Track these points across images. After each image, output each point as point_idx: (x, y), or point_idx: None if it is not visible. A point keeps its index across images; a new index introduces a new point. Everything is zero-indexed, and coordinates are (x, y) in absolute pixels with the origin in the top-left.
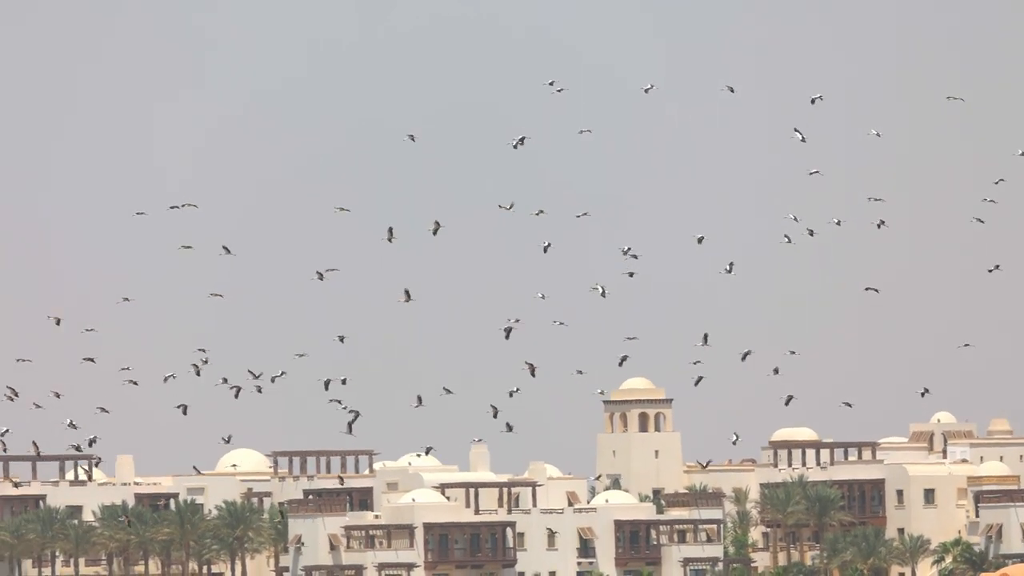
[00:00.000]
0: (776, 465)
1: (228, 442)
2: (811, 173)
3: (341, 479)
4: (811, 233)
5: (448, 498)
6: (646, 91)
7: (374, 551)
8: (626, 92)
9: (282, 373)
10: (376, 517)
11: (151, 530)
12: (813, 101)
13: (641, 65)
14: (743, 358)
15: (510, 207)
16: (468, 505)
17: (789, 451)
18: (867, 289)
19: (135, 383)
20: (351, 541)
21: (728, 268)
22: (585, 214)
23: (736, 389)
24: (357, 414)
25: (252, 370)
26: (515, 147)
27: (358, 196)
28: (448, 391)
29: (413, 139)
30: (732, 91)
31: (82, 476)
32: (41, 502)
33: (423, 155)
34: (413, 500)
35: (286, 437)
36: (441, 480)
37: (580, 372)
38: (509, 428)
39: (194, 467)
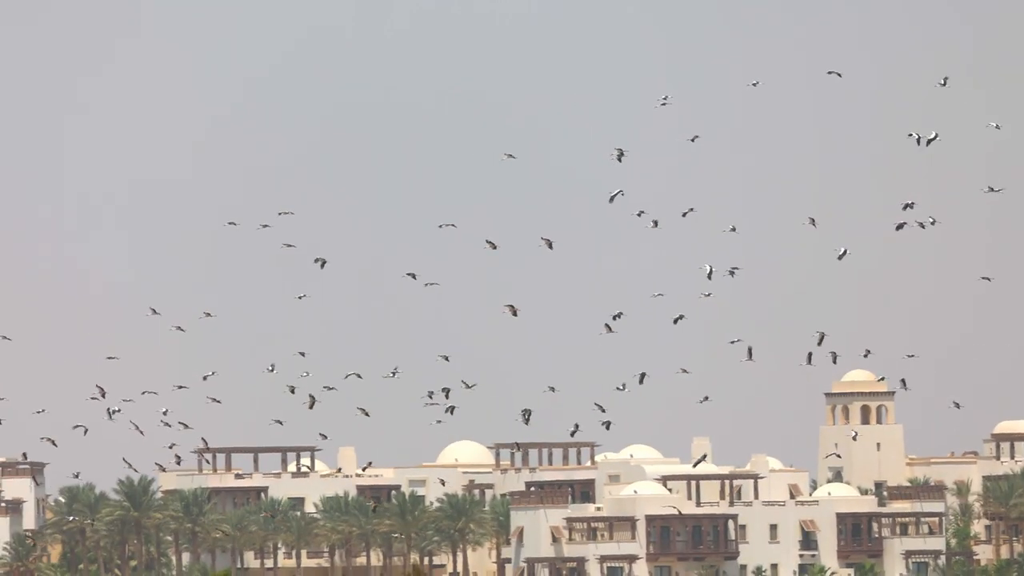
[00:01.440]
0: (998, 458)
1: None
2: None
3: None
4: None
5: (670, 490)
6: (754, 85)
7: (596, 543)
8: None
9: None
10: (598, 509)
11: (373, 522)
12: (945, 81)
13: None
14: (961, 351)
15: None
16: (690, 497)
17: (1012, 443)
18: None
19: (359, 375)
20: (573, 533)
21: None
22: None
23: (957, 381)
24: (449, 403)
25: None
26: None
27: (462, 211)
28: (639, 379)
29: (512, 157)
30: (839, 75)
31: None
32: (263, 494)
33: (523, 169)
34: (635, 492)
35: (508, 429)
36: (663, 472)
37: (806, 364)
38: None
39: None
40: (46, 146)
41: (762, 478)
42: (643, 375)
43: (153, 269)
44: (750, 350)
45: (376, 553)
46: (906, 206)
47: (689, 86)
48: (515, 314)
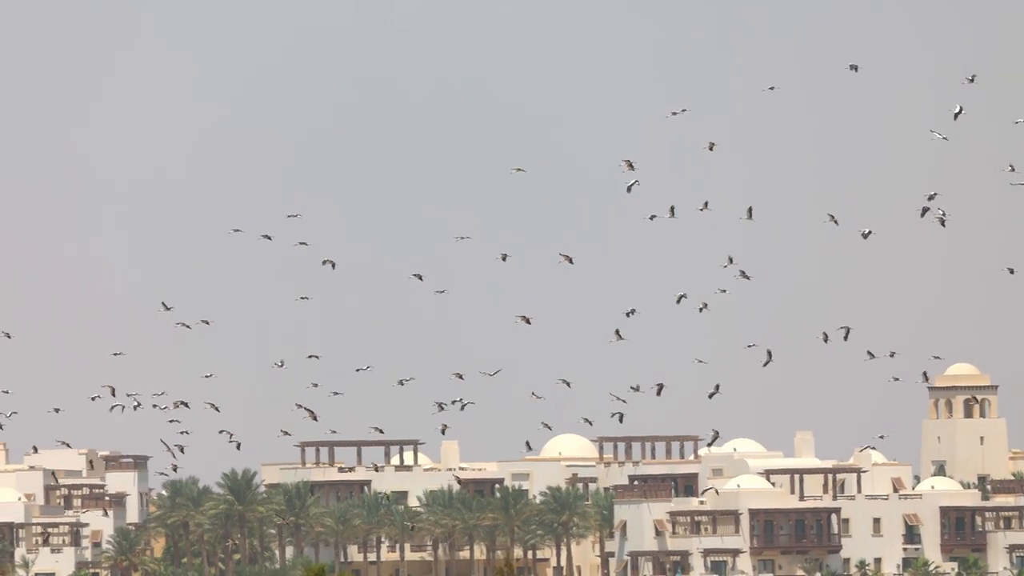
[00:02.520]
0: None
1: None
2: None
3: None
4: None
5: (773, 484)
6: (771, 89)
7: (699, 537)
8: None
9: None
10: (701, 503)
11: (476, 516)
12: (972, 79)
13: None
14: None
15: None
16: (793, 491)
17: None
18: None
19: (461, 376)
20: (676, 527)
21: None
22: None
23: None
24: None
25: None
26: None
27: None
28: (657, 391)
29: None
30: (856, 69)
31: (408, 461)
32: (366, 488)
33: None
34: (738, 486)
35: (612, 422)
36: (766, 466)
37: (893, 354)
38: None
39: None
40: (57, 145)
41: (865, 472)
42: (660, 386)
43: (196, 271)
44: (769, 353)
45: (479, 547)
46: (930, 196)
47: (699, 87)
48: (528, 323)
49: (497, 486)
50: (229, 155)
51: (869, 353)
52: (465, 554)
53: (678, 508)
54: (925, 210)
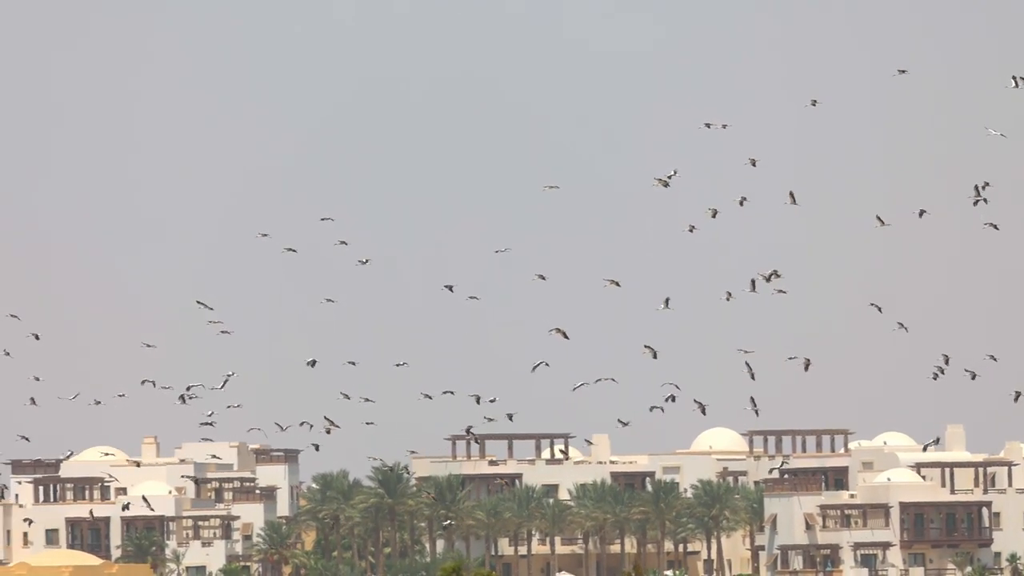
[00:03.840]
0: None
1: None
2: None
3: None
4: None
5: (924, 477)
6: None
7: (849, 530)
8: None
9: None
10: (851, 496)
11: (627, 509)
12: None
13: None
14: None
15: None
16: (944, 485)
17: None
18: None
19: (614, 381)
20: (826, 520)
21: None
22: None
23: None
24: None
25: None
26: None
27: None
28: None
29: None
30: (903, 71)
31: (558, 455)
32: (517, 481)
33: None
34: (888, 480)
35: (762, 416)
36: (916, 460)
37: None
38: None
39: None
40: (107, 145)
41: (1016, 465)
42: (671, 397)
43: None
44: (807, 362)
45: (630, 540)
46: (982, 187)
47: (736, 98)
48: (566, 337)
49: (648, 479)
50: (267, 157)
51: (806, 364)
52: (616, 547)
53: (828, 501)
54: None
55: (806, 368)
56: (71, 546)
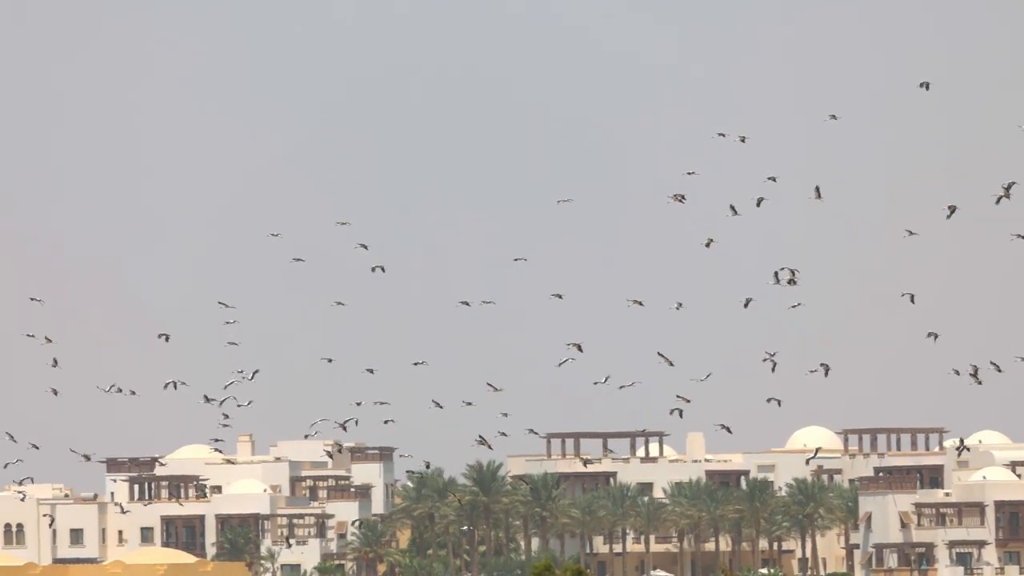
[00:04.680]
0: None
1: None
2: None
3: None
4: None
5: (1020, 476)
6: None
7: (944, 529)
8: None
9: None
10: (947, 495)
11: (722, 507)
12: None
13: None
14: None
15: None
16: None
17: None
18: None
19: (703, 380)
20: (921, 519)
21: None
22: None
23: None
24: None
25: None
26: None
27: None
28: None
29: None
30: (927, 87)
31: (653, 453)
32: (612, 479)
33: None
34: (984, 478)
35: (857, 414)
36: (1012, 458)
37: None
38: None
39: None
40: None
41: None
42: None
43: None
44: (826, 368)
45: (724, 538)
46: (1009, 185)
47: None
48: (580, 350)
49: (743, 478)
50: (277, 157)
51: (825, 370)
52: (710, 546)
53: (923, 500)
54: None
55: (826, 374)
56: (166, 544)
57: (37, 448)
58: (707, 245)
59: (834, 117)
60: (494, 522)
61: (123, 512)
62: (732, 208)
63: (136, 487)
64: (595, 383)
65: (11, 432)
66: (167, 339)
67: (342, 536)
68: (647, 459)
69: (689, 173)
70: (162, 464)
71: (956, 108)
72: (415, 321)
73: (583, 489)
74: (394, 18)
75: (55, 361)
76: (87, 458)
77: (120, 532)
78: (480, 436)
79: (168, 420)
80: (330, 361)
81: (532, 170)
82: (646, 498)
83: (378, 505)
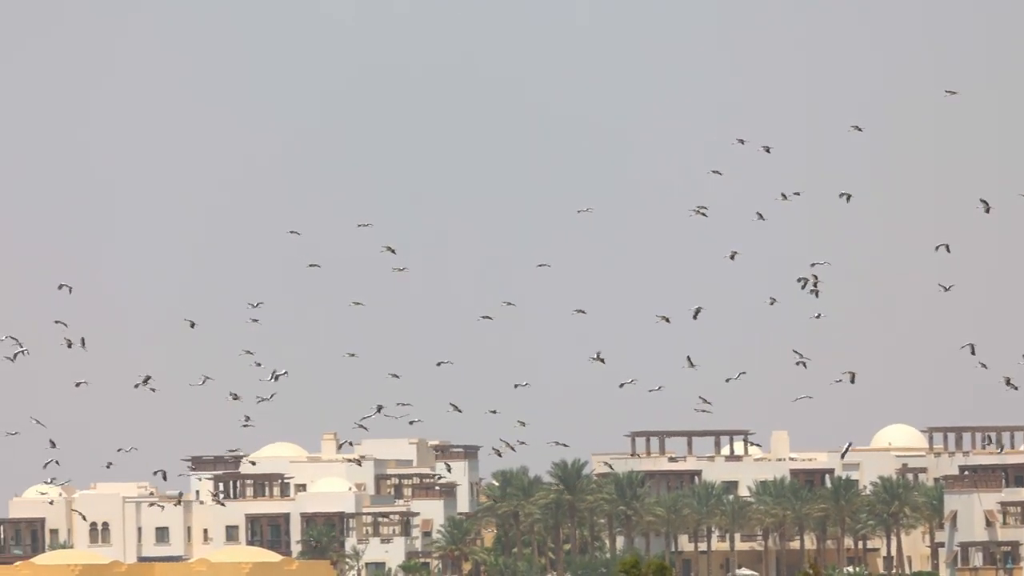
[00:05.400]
0: None
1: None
2: None
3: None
4: None
5: None
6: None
7: None
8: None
9: None
10: None
11: (807, 506)
12: None
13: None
14: None
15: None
16: None
17: None
18: None
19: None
20: (1007, 517)
21: None
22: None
23: None
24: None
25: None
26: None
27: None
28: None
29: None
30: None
31: (738, 452)
32: (697, 477)
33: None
34: None
35: (943, 411)
36: None
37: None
38: None
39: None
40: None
41: None
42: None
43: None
44: (853, 375)
45: (809, 537)
46: None
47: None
48: (602, 361)
49: (827, 476)
50: (305, 159)
51: (852, 377)
52: (795, 544)
53: (1009, 498)
54: None
55: (852, 381)
56: (251, 542)
57: (129, 451)
58: (732, 258)
59: (858, 128)
60: (579, 520)
61: (216, 501)
62: (758, 215)
63: (221, 485)
64: (621, 384)
65: (96, 431)
66: (192, 325)
67: (427, 534)
68: (732, 457)
69: (714, 172)
70: (251, 464)
71: (985, 116)
72: (482, 325)
73: (668, 487)
74: (442, 22)
75: (146, 379)
76: (164, 477)
77: (205, 530)
78: (502, 441)
79: (252, 419)
80: (394, 376)
81: (550, 177)
82: (731, 496)
83: (463, 503)
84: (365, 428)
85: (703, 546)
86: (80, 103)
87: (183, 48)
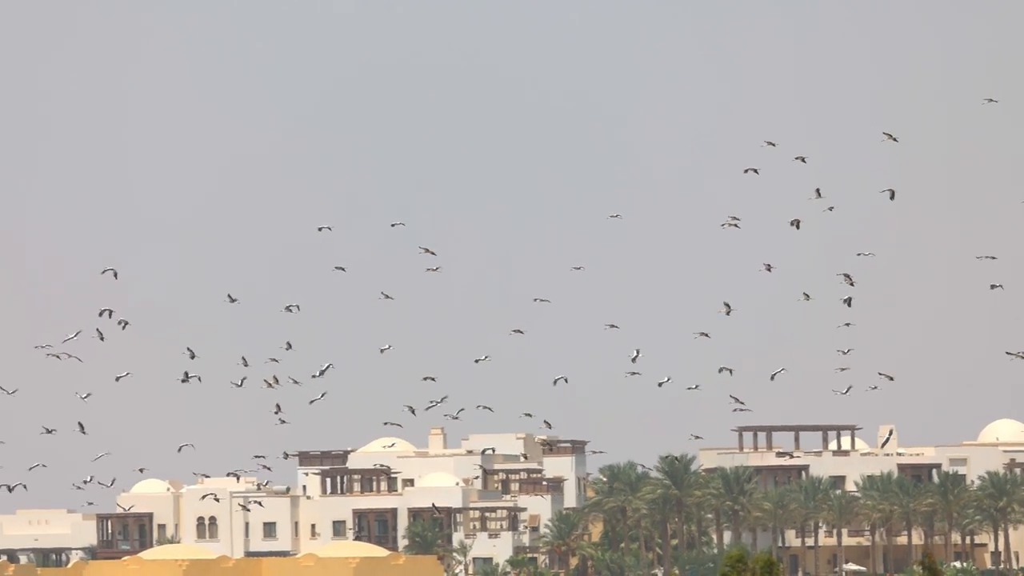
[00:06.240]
0: None
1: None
2: None
3: None
4: None
5: None
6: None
7: None
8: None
9: None
10: None
11: (914, 501)
12: None
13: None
14: None
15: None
16: None
17: None
18: None
19: (890, 378)
20: None
21: None
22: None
23: None
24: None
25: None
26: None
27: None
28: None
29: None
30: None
31: (845, 446)
32: (804, 472)
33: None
34: None
35: None
36: None
37: None
38: None
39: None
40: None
41: None
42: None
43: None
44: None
45: (917, 532)
46: None
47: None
48: (634, 361)
49: (935, 471)
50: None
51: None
52: (902, 539)
53: None
54: None
55: (891, 379)
56: (358, 537)
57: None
58: (768, 269)
59: (892, 138)
60: (686, 516)
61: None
62: (795, 223)
63: (328, 480)
64: (659, 384)
65: (193, 432)
66: (231, 299)
67: (534, 529)
68: (839, 452)
69: (769, 143)
70: (354, 456)
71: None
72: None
73: (775, 482)
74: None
75: (244, 360)
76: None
77: (312, 525)
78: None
79: (359, 413)
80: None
81: (584, 184)
82: (838, 491)
83: (570, 499)
84: (457, 418)
85: (810, 541)
86: (110, 102)
87: (203, 51)
